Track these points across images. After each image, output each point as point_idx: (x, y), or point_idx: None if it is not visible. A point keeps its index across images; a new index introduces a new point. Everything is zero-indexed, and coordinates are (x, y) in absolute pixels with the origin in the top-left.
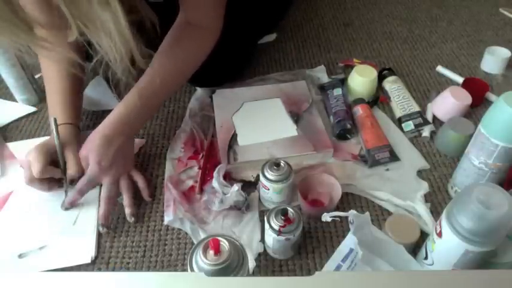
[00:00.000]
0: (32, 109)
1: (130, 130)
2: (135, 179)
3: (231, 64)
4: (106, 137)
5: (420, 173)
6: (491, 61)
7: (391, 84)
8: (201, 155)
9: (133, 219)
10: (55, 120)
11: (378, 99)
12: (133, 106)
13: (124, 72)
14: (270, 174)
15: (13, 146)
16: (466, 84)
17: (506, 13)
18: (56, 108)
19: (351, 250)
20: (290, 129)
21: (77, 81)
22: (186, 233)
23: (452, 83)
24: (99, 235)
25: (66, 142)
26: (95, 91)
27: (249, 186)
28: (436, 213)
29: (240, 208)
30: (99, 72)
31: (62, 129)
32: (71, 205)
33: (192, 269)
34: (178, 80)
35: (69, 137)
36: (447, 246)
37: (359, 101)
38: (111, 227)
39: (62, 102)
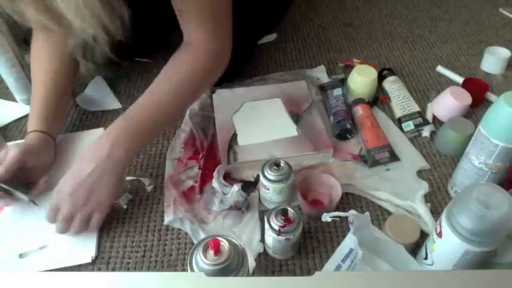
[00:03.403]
0: None
1: (117, 160)
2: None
3: (231, 64)
4: (80, 168)
5: (420, 173)
6: (491, 61)
7: (391, 84)
8: (201, 155)
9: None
10: None
11: (378, 99)
12: (124, 129)
13: (103, 53)
14: (270, 174)
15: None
16: (466, 84)
17: (506, 13)
18: (33, 113)
19: (351, 250)
20: (290, 129)
21: (63, 85)
22: (186, 233)
23: (452, 83)
24: (99, 235)
25: (34, 150)
26: (95, 91)
27: (249, 186)
28: (436, 213)
29: (240, 208)
30: (77, 56)
31: (32, 135)
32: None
33: (192, 269)
34: (177, 103)
35: (38, 144)
36: (447, 246)
37: (359, 101)
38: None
39: (40, 107)
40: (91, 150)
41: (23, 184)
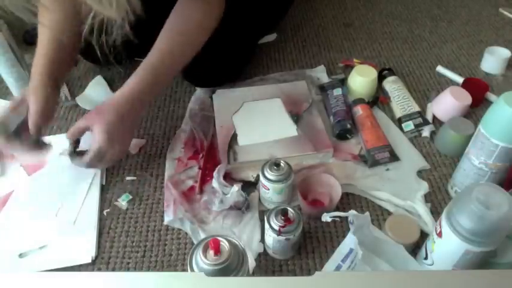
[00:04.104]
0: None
1: (141, 106)
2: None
3: (231, 64)
4: (119, 113)
5: (420, 173)
6: (491, 61)
7: (391, 84)
8: (201, 155)
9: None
10: None
11: (378, 99)
12: (146, 83)
13: (119, 30)
14: (270, 174)
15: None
16: (466, 84)
17: (506, 13)
18: (35, 70)
19: (351, 250)
20: (290, 129)
21: (66, 50)
22: (186, 233)
23: (452, 83)
24: (99, 235)
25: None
26: (95, 91)
27: (249, 186)
28: (436, 213)
29: (240, 208)
30: (91, 40)
31: (38, 80)
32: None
33: (192, 269)
34: (188, 53)
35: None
36: (447, 246)
37: (359, 101)
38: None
39: (43, 65)
40: (123, 102)
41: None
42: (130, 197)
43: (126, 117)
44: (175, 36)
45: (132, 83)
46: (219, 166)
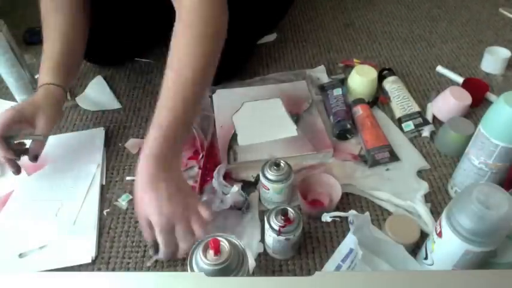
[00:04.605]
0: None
1: (177, 152)
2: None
3: (230, 64)
4: (158, 178)
5: (420, 173)
6: (491, 61)
7: (391, 84)
8: (201, 155)
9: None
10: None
11: (378, 99)
12: (172, 131)
13: None
14: (270, 174)
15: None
16: (466, 84)
17: (506, 13)
18: (45, 64)
19: (351, 250)
20: (290, 129)
21: (75, 42)
22: None
23: (452, 83)
24: (99, 235)
25: (42, 105)
26: (95, 91)
27: (249, 186)
28: (436, 213)
29: (240, 208)
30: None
31: (43, 89)
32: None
33: (192, 269)
34: (207, 73)
35: (46, 98)
36: (447, 246)
37: (359, 101)
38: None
39: (52, 58)
40: (147, 174)
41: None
42: (130, 197)
43: (175, 187)
44: (182, 60)
45: (150, 144)
46: (219, 166)
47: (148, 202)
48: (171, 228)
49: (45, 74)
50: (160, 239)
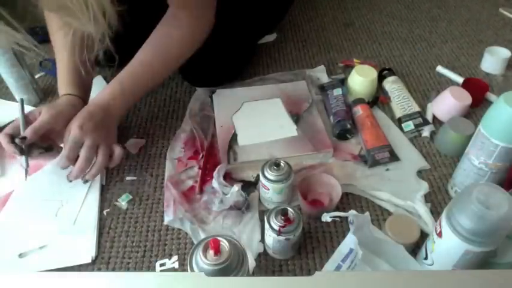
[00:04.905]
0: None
1: (115, 111)
2: (113, 150)
3: (231, 64)
4: (89, 111)
5: (420, 173)
6: (491, 61)
7: (391, 84)
8: (201, 155)
9: (86, 182)
10: (21, 100)
11: (378, 99)
12: (118, 93)
13: (100, 45)
14: (270, 174)
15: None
16: (466, 84)
17: (506, 13)
18: (63, 77)
19: (351, 250)
20: (290, 129)
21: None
22: (186, 233)
23: (452, 83)
24: (99, 235)
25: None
26: (95, 91)
27: (249, 186)
28: (436, 213)
29: (240, 208)
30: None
31: (65, 99)
32: (75, 178)
33: (192, 269)
34: (162, 69)
35: (61, 105)
36: (447, 246)
37: (359, 101)
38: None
39: (70, 71)
40: (95, 108)
41: (46, 146)
42: (131, 197)
43: (96, 115)
44: (150, 49)
45: (103, 92)
46: (219, 166)
47: (76, 119)
48: (79, 142)
49: (66, 86)
50: (65, 148)
